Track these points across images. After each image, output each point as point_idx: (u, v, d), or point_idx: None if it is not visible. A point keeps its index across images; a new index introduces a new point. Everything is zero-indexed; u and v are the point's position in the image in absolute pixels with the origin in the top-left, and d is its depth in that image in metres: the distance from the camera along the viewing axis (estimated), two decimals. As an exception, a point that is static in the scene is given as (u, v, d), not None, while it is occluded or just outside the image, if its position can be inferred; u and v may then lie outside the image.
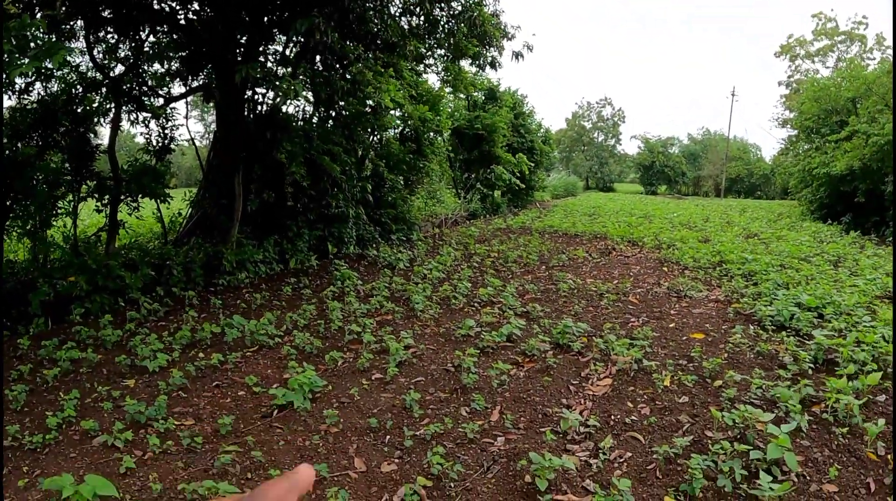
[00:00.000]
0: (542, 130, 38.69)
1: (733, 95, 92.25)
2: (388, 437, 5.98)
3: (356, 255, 15.63)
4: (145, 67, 13.16)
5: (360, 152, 15.79)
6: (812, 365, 7.70)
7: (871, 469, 5.39)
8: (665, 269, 15.05)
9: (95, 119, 11.81)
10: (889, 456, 5.56)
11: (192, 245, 12.34)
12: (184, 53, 12.99)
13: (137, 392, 6.86)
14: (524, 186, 31.92)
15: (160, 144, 13.47)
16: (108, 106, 12.11)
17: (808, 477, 5.25)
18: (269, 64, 13.26)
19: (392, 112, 16.20)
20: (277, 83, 11.70)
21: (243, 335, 8.73)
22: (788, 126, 35.43)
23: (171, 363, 7.68)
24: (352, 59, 12.40)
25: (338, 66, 13.27)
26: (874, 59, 28.35)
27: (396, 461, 5.53)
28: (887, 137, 21.08)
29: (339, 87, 12.33)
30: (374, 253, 15.49)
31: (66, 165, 11.20)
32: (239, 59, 12.07)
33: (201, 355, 8.06)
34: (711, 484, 5.03)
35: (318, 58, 13.28)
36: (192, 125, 71.27)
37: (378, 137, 17.58)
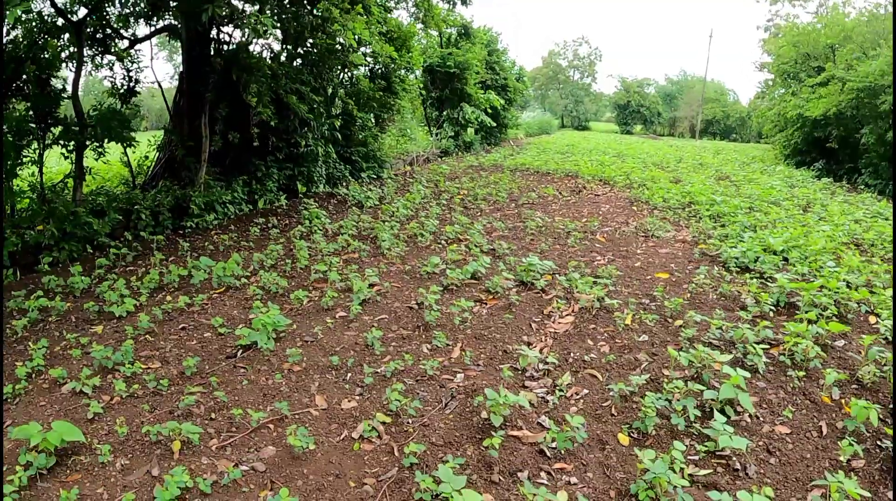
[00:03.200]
0: (516, 68, 38.39)
1: (711, 37, 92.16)
2: (349, 375, 5.98)
3: (326, 194, 15.49)
4: (109, 9, 12.76)
5: (329, 91, 15.53)
6: (773, 308, 7.76)
7: (824, 412, 5.44)
8: (635, 208, 15.06)
9: (59, 64, 11.48)
10: (843, 401, 5.59)
11: (160, 189, 12.14)
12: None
13: (105, 338, 6.77)
14: (495, 124, 31.68)
15: (125, 87, 13.16)
16: (72, 50, 11.78)
17: (761, 418, 5.29)
18: (235, 1, 12.90)
19: (363, 49, 15.88)
20: (244, 21, 11.44)
21: (210, 277, 8.63)
22: (766, 70, 35.21)
23: (139, 308, 7.58)
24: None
25: (305, 2, 12.97)
26: (855, 7, 28.27)
27: (357, 398, 5.53)
28: (863, 83, 21.03)
29: (308, 22, 12.07)
30: (344, 192, 15.35)
31: (31, 112, 10.91)
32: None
33: (169, 298, 7.97)
34: (665, 422, 5.06)
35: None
36: (161, 66, 70.16)
37: (349, 75, 17.31)
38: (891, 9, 18.85)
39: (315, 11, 12.78)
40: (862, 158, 22.66)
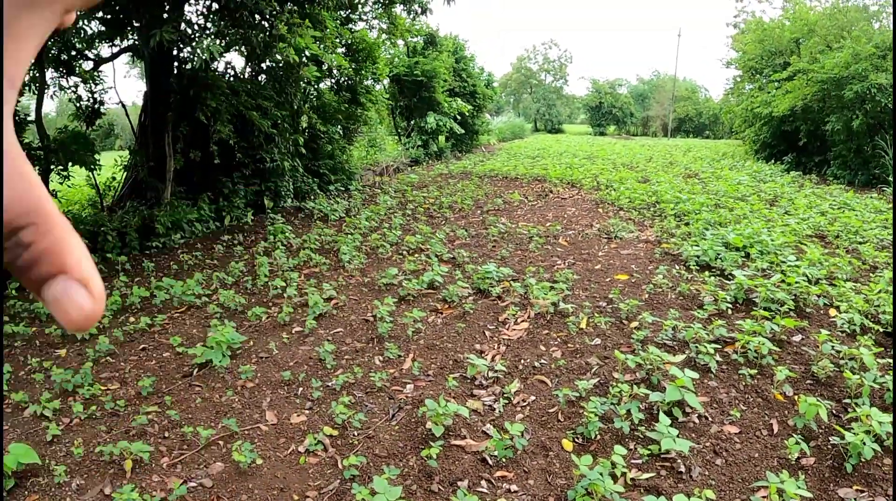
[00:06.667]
0: (484, 74, 38.38)
1: (679, 35, 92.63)
2: (300, 389, 5.95)
3: (294, 208, 15.39)
4: (72, 30, 12.64)
5: (295, 105, 15.46)
6: (731, 306, 7.74)
7: (776, 409, 5.42)
8: (600, 210, 15.06)
9: (22, 90, 11.30)
10: (796, 397, 5.58)
11: (127, 209, 12.02)
12: (108, 16, 12.48)
13: (68, 361, 6.70)
14: (464, 131, 31.67)
15: (90, 109, 13.05)
16: (35, 74, 11.67)
17: (710, 419, 5.27)
18: (192, 19, 12.80)
19: (330, 57, 15.80)
20: (194, 45, 11.39)
21: (171, 297, 8.55)
22: (734, 66, 35.35)
23: (101, 330, 7.48)
24: (266, 15, 12.10)
25: (259, 20, 12.88)
26: (820, 1, 28.38)
27: (306, 412, 5.51)
28: (827, 74, 21.16)
29: (257, 43, 11.99)
30: (312, 205, 15.26)
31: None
32: (165, 16, 11.65)
33: (131, 319, 7.88)
34: (609, 427, 5.02)
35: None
36: (132, 84, 69.83)
37: (314, 88, 17.24)
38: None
39: (271, 30, 12.70)
40: (830, 150, 22.78)
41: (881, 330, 7.09)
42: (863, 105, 20.45)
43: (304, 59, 13.64)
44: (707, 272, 9.16)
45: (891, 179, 17.35)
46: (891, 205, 15.24)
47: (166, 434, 5.15)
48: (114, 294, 8.50)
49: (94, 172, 12.26)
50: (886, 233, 11.68)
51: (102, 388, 6.01)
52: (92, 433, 5.17)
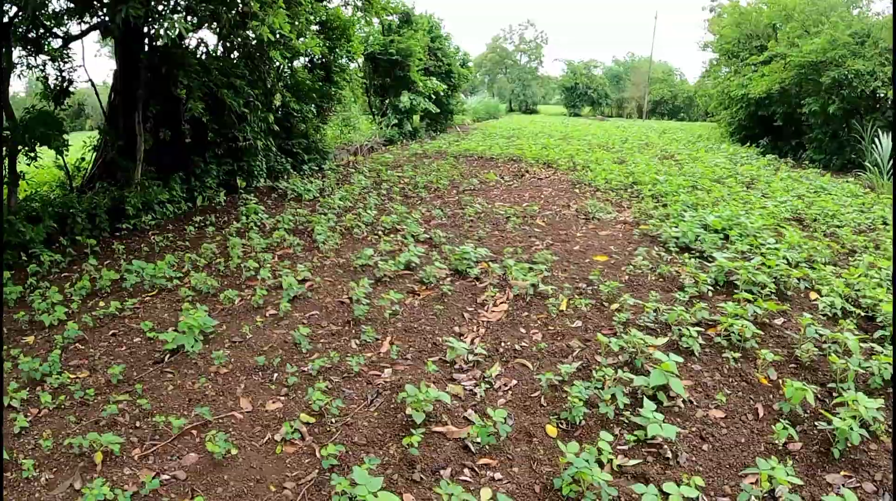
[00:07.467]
0: (460, 54, 38.08)
1: (656, 17, 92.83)
2: (275, 375, 5.78)
3: (267, 188, 15.12)
4: (40, 6, 12.25)
5: (268, 84, 15.20)
6: (712, 288, 7.69)
7: (761, 394, 5.38)
8: (577, 191, 14.95)
9: None
10: (781, 381, 5.52)
11: (97, 191, 11.72)
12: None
13: (36, 349, 6.48)
14: (439, 110, 31.46)
15: (59, 88, 12.71)
16: (2, 50, 11.33)
17: (695, 403, 5.19)
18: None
19: (301, 39, 15.50)
20: (163, 22, 11.08)
21: (142, 280, 8.32)
22: (710, 49, 35.32)
23: (70, 315, 7.24)
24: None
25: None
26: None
27: (282, 398, 5.35)
28: (805, 59, 21.19)
29: (227, 20, 11.72)
30: (285, 185, 15.02)
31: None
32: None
33: (101, 303, 7.61)
34: (594, 412, 4.92)
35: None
36: (104, 63, 68.77)
37: (287, 66, 16.98)
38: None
39: (239, 6, 12.41)
40: (806, 134, 22.85)
41: (862, 314, 7.09)
42: (840, 91, 20.48)
43: (277, 36, 13.38)
44: (687, 254, 9.09)
45: (867, 164, 17.39)
46: (867, 190, 15.34)
47: (137, 424, 4.97)
48: (83, 278, 8.23)
49: (63, 152, 11.98)
50: (863, 217, 11.72)
51: (72, 376, 5.81)
52: (61, 425, 4.98)
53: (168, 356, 6.22)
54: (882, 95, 20.31)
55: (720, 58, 33.36)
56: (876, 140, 17.69)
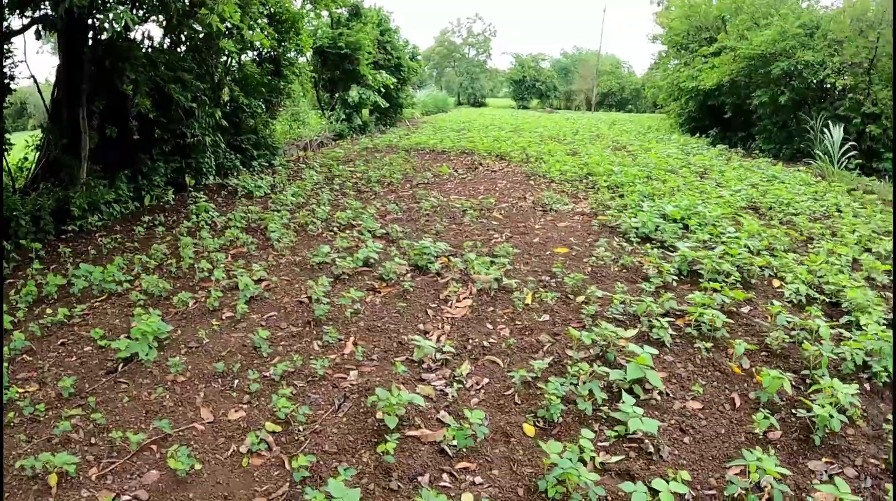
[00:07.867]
0: (409, 47, 37.90)
1: (605, 11, 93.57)
2: (236, 381, 5.52)
3: (216, 185, 14.80)
4: None
5: (216, 78, 14.88)
6: (676, 278, 7.66)
7: (735, 383, 5.34)
8: (532, 183, 14.85)
9: None
10: (754, 370, 5.46)
11: (41, 191, 11.29)
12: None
13: (-18, 363, 6.17)
14: (388, 104, 31.24)
15: (-1, 86, 12.28)
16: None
17: (672, 395, 5.11)
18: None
19: (251, 33, 15.21)
20: (108, 13, 10.73)
21: (91, 285, 7.96)
22: (659, 41, 35.55)
23: (16, 325, 6.90)
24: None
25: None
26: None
27: (245, 406, 5.09)
28: (755, 50, 21.42)
29: (175, 10, 11.40)
30: (235, 182, 14.71)
31: None
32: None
33: (49, 311, 7.21)
34: (572, 408, 4.80)
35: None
36: (46, 60, 66.95)
37: (236, 60, 16.66)
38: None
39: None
40: (755, 124, 23.17)
41: (826, 300, 7.16)
42: (789, 81, 20.80)
43: (226, 28, 13.07)
44: (648, 244, 9.05)
45: (817, 152, 17.63)
46: (818, 178, 15.56)
47: (93, 441, 4.67)
48: (28, 284, 7.85)
49: (5, 153, 11.56)
50: (818, 205, 11.88)
51: (20, 390, 5.46)
52: (11, 444, 4.65)
53: (121, 365, 5.90)
54: (829, 85, 20.72)
55: (669, 50, 33.67)
56: (826, 130, 17.92)
